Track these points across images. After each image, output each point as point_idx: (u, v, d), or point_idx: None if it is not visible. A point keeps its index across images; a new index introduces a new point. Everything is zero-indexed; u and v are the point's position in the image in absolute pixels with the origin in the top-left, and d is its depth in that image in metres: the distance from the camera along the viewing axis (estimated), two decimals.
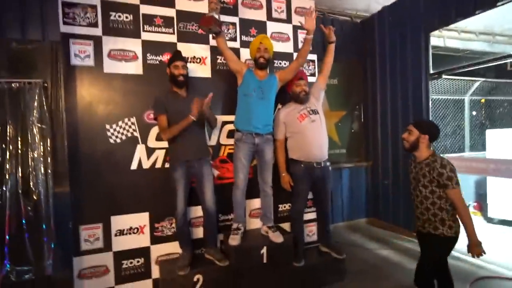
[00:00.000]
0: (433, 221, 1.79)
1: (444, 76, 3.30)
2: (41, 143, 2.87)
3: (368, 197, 4.32)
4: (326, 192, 2.60)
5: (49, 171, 2.87)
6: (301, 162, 2.49)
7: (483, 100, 5.28)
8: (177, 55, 2.22)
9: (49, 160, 2.88)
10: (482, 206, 4.41)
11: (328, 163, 2.57)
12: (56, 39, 2.21)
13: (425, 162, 1.80)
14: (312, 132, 2.48)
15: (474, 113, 5.19)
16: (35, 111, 2.84)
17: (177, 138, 2.18)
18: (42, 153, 2.85)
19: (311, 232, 2.93)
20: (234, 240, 2.31)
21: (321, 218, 2.73)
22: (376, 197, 4.19)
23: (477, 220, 4.17)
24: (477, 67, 2.99)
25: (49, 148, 2.90)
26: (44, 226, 2.79)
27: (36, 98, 2.85)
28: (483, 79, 4.68)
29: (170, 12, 2.41)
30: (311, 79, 2.87)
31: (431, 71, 3.32)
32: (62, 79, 3.00)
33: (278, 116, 2.57)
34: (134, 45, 2.29)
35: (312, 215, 2.92)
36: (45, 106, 2.90)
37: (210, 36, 2.49)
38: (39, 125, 2.85)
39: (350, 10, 4.48)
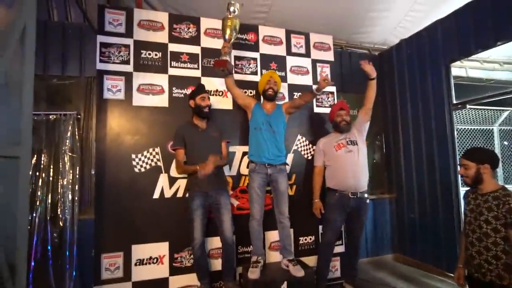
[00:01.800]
0: (494, 266, 1.53)
1: (468, 106, 3.21)
2: (71, 171, 3.01)
3: (393, 231, 4.09)
4: (360, 224, 2.54)
5: (76, 198, 2.98)
6: (335, 190, 2.48)
7: None
8: (202, 88, 2.35)
9: (76, 188, 3.00)
10: None
11: (365, 195, 2.52)
12: (93, 75, 2.41)
13: (492, 194, 1.58)
14: (347, 162, 2.48)
15: (506, 143, 4.95)
16: (67, 140, 3.03)
17: None
18: (70, 181, 2.99)
19: (333, 267, 2.80)
20: (254, 273, 2.24)
21: (350, 252, 2.62)
22: (402, 231, 3.96)
23: None
24: (503, 97, 2.91)
25: (77, 176, 3.03)
26: (67, 253, 2.84)
27: (70, 128, 3.05)
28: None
29: (195, 50, 2.58)
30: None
31: (454, 101, 3.25)
32: (95, 111, 3.24)
33: (318, 144, 2.65)
34: (161, 80, 2.45)
35: (337, 249, 2.80)
36: (77, 136, 3.09)
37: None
38: (70, 154, 3.02)
39: (368, 44, 4.58)
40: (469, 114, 4.54)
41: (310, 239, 2.74)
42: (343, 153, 2.50)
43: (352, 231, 2.56)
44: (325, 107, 2.92)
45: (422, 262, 3.62)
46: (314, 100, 2.91)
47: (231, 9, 2.31)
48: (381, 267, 3.78)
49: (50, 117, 3.00)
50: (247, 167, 2.61)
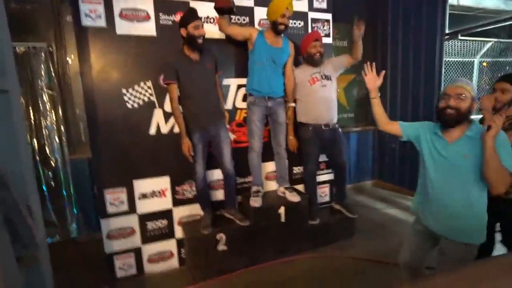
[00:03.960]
0: None
1: (460, 37, 3.21)
2: (53, 111, 2.84)
3: (374, 160, 4.41)
4: (339, 152, 2.66)
5: (63, 138, 2.87)
6: (309, 125, 2.53)
7: (485, 64, 5.19)
8: (195, 13, 2.05)
9: (62, 128, 2.87)
10: None
11: (337, 125, 2.63)
12: None
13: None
14: (321, 96, 2.49)
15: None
16: (43, 77, 2.78)
17: (191, 105, 2.17)
18: (54, 121, 2.84)
19: (323, 193, 3.03)
20: (256, 202, 2.40)
21: (337, 179, 2.81)
22: (382, 160, 4.28)
23: None
24: (496, 26, 2.90)
25: (60, 116, 2.87)
26: (64, 193, 2.86)
27: (43, 64, 2.77)
28: (496, 39, 4.56)
29: None
30: (325, 40, 2.78)
31: (447, 31, 3.22)
32: (68, 42, 2.91)
33: None
34: (145, 4, 2.17)
35: (325, 177, 3.01)
36: (52, 72, 2.83)
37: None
38: (49, 91, 2.80)
39: None
40: (452, 46, 4.55)
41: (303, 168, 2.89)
42: (318, 88, 2.49)
43: (335, 159, 2.71)
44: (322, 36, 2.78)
45: (399, 186, 4.01)
46: (310, 29, 2.77)
47: None
48: (361, 192, 4.16)
49: (17, 50, 2.68)
50: (243, 100, 2.57)
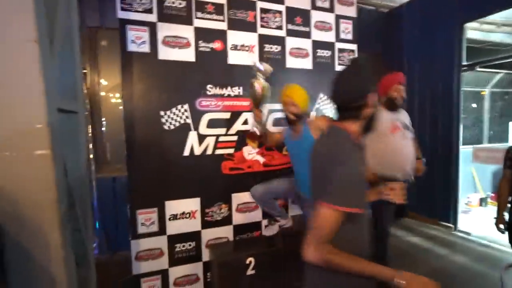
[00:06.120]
0: None
1: (477, 68, 3.34)
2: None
3: None
4: None
5: (91, 156, 2.91)
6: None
7: (483, 93, 5.35)
8: None
9: (90, 146, 2.92)
10: None
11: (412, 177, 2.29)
12: (114, 26, 2.22)
13: None
14: (402, 148, 2.12)
15: (474, 105, 5.26)
16: None
17: None
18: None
19: None
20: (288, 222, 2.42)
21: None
22: None
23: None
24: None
25: (90, 135, 2.93)
26: None
27: None
28: (506, 71, 4.73)
29: None
30: None
31: (464, 63, 3.35)
32: (101, 65, 3.04)
33: None
34: (187, 32, 2.30)
35: None
36: (85, 93, 2.92)
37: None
38: None
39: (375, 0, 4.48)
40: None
41: None
42: (399, 139, 2.10)
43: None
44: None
45: (417, 214, 3.98)
46: (336, 59, 2.89)
47: (257, 66, 2.04)
48: None
49: None
50: (273, 125, 2.63)
